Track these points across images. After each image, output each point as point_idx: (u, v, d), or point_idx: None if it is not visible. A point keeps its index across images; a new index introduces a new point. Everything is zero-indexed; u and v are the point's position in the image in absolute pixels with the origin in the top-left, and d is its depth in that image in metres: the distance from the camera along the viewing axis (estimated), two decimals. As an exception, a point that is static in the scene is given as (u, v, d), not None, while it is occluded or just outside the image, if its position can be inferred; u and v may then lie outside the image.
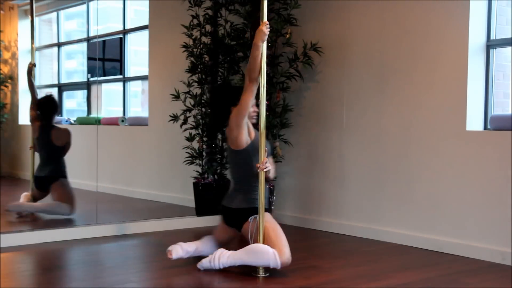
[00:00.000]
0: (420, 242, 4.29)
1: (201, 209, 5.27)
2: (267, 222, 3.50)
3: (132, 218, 5.01)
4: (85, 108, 6.09)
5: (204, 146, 5.34)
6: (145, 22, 6.29)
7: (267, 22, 3.49)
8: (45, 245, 4.19)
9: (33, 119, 5.21)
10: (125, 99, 6.25)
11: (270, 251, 3.36)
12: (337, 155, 4.88)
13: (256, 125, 3.61)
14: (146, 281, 3.43)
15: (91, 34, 5.98)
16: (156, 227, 4.86)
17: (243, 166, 3.59)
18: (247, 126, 3.57)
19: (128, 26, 6.27)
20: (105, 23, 6.32)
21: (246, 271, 3.50)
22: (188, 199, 5.58)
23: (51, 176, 5.18)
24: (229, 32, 5.29)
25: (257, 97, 4.81)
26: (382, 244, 4.41)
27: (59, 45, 6.11)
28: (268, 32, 3.48)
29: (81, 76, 6.16)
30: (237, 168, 3.66)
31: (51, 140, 5.24)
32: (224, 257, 3.45)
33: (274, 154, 5.00)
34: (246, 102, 3.49)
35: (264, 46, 3.50)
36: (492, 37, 4.14)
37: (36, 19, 5.75)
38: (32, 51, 5.22)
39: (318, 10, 5.04)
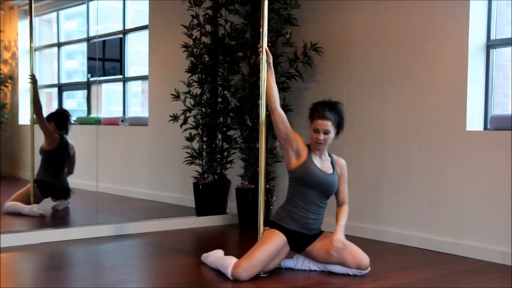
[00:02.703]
0: (420, 242, 4.29)
1: (201, 209, 5.28)
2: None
3: (132, 218, 5.01)
4: (85, 108, 6.09)
5: (204, 146, 5.34)
6: (145, 22, 6.29)
7: (259, 45, 3.54)
8: (45, 245, 4.19)
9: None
10: (125, 99, 6.25)
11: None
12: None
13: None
14: (146, 281, 3.43)
15: (91, 34, 5.97)
16: (156, 227, 4.86)
17: (290, 186, 3.57)
18: (295, 151, 3.51)
19: (128, 26, 6.27)
20: (105, 23, 6.31)
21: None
22: (188, 199, 5.58)
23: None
24: (229, 32, 5.29)
25: (258, 97, 4.82)
26: (382, 244, 4.41)
27: (59, 45, 6.11)
28: (264, 52, 3.51)
29: (81, 76, 6.15)
30: (289, 185, 3.60)
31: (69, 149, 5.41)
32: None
33: (274, 154, 5.01)
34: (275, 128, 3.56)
35: (265, 46, 3.51)
36: (492, 37, 4.14)
37: (36, 19, 5.76)
38: (31, 51, 5.22)
39: (318, 10, 5.04)
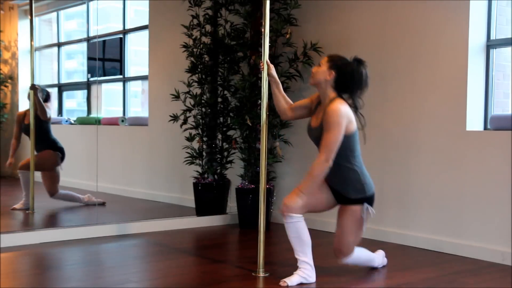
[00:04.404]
0: (420, 242, 4.29)
1: (201, 209, 5.28)
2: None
3: (132, 218, 5.01)
4: (85, 108, 6.09)
5: (204, 146, 5.34)
6: (145, 22, 6.29)
7: (261, 62, 3.49)
8: (45, 245, 4.19)
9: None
10: (125, 99, 6.25)
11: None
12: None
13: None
14: (146, 281, 3.43)
15: (91, 34, 5.98)
16: (156, 227, 4.86)
17: None
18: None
19: (128, 26, 6.28)
20: (105, 23, 6.32)
21: (246, 271, 3.50)
22: (188, 199, 5.58)
23: None
24: (229, 32, 5.29)
25: (258, 97, 4.82)
26: (382, 244, 4.40)
27: (59, 45, 6.11)
28: (265, 65, 3.46)
29: (81, 76, 6.16)
30: None
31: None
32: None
33: (274, 154, 5.01)
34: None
35: (266, 46, 3.49)
36: (492, 37, 4.14)
37: (36, 19, 5.76)
38: (32, 51, 5.22)
39: (318, 10, 5.04)
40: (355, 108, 3.34)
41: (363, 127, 3.40)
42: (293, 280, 3.24)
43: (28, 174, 5.15)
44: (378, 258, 3.65)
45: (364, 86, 3.39)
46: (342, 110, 3.21)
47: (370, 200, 3.37)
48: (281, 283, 3.21)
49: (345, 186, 3.34)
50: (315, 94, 3.48)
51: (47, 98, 5.37)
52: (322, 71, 3.33)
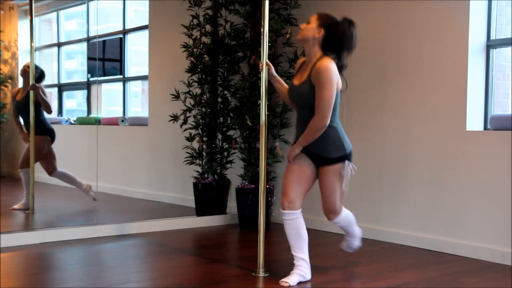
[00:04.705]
0: (420, 242, 4.29)
1: (201, 209, 5.28)
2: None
3: (132, 218, 5.01)
4: (85, 108, 6.10)
5: (204, 146, 5.34)
6: (145, 22, 6.29)
7: (261, 62, 3.48)
8: (45, 245, 4.19)
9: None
10: (125, 99, 6.26)
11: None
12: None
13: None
14: (146, 281, 3.43)
15: (91, 34, 5.98)
16: (156, 227, 4.86)
17: None
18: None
19: (128, 26, 6.28)
20: (105, 23, 6.32)
21: (246, 271, 3.50)
22: (188, 199, 5.58)
23: None
24: (229, 32, 5.29)
25: (258, 97, 4.82)
26: (382, 244, 4.41)
27: (59, 45, 6.11)
28: (265, 66, 3.47)
29: (81, 76, 6.17)
30: None
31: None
32: None
33: (274, 154, 5.01)
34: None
35: (265, 46, 3.49)
36: (492, 37, 4.14)
37: (36, 19, 5.76)
38: (32, 51, 5.22)
39: (318, 10, 5.02)
40: (340, 68, 3.32)
41: (345, 90, 3.41)
42: (293, 279, 3.24)
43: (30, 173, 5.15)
44: (358, 228, 3.73)
45: (352, 47, 3.35)
46: (333, 68, 3.21)
47: (349, 156, 3.38)
48: (282, 284, 3.22)
49: (326, 146, 3.31)
50: (296, 66, 3.50)
51: (41, 76, 5.36)
52: (311, 28, 3.31)
